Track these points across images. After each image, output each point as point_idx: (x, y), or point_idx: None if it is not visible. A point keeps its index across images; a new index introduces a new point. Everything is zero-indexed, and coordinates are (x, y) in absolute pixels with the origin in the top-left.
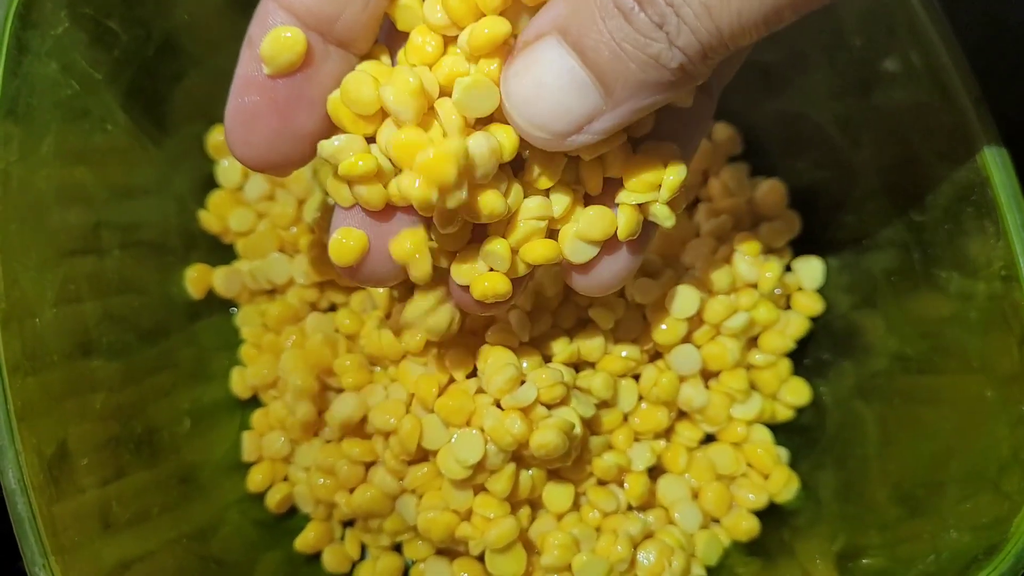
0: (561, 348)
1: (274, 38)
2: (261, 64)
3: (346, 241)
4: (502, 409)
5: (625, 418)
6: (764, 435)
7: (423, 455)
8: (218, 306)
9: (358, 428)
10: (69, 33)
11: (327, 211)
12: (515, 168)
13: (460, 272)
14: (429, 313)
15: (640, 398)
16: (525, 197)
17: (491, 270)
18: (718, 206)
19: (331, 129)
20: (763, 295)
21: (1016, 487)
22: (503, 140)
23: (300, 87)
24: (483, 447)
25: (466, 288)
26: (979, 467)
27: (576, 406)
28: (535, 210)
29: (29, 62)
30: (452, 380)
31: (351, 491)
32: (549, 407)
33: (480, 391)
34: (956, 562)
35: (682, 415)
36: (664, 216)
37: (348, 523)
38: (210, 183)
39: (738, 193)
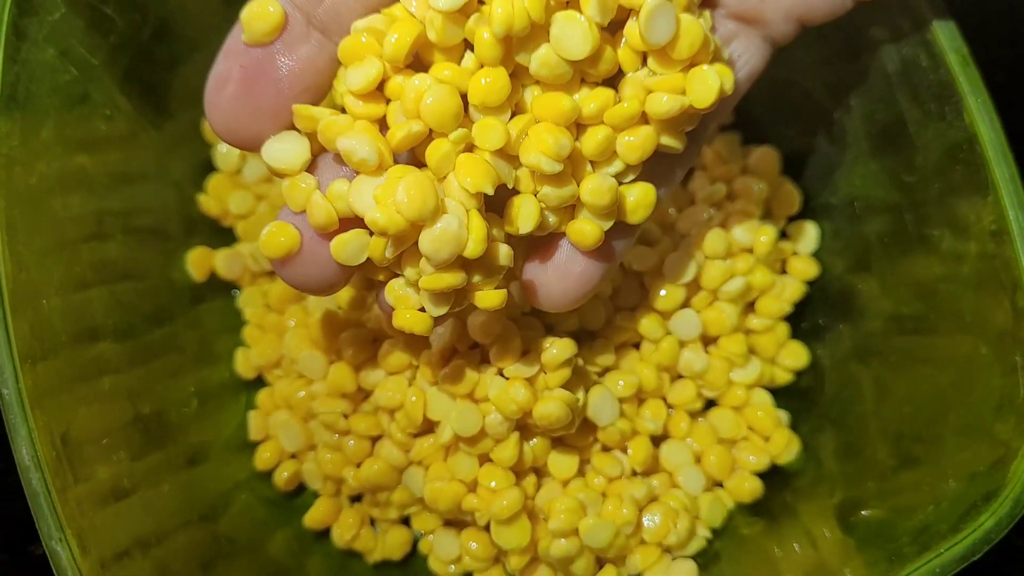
0: (562, 318)
1: (255, 5)
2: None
3: (277, 233)
4: (506, 378)
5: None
6: (764, 398)
7: (429, 427)
8: (220, 289)
9: (363, 403)
10: (66, 19)
11: None
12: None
13: (391, 293)
14: None
15: None
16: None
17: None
18: (712, 174)
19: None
20: (759, 260)
21: (1011, 433)
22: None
23: (269, 59)
24: (480, 420)
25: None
26: (975, 418)
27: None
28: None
29: (27, 48)
30: (456, 352)
31: (358, 466)
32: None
33: (484, 362)
34: (955, 510)
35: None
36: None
37: (356, 498)
38: (208, 167)
39: (731, 161)
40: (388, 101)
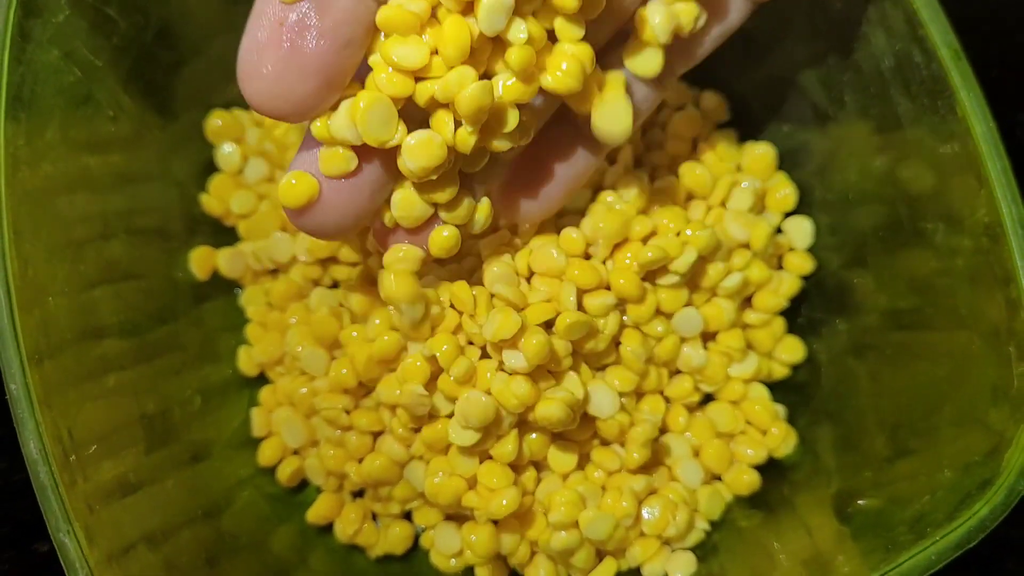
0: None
1: None
2: None
3: (297, 184)
4: (508, 374)
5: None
6: (761, 392)
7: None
8: (223, 288)
9: (364, 399)
10: (70, 21)
11: None
12: None
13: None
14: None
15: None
16: None
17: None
18: (712, 171)
19: (338, 72)
20: (756, 255)
21: (1005, 422)
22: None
23: (310, 12)
24: (493, 409)
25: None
26: (969, 409)
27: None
28: None
29: (32, 49)
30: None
31: (360, 461)
32: (552, 372)
33: (485, 356)
34: (950, 499)
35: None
36: None
37: (358, 493)
38: (210, 167)
39: (727, 159)
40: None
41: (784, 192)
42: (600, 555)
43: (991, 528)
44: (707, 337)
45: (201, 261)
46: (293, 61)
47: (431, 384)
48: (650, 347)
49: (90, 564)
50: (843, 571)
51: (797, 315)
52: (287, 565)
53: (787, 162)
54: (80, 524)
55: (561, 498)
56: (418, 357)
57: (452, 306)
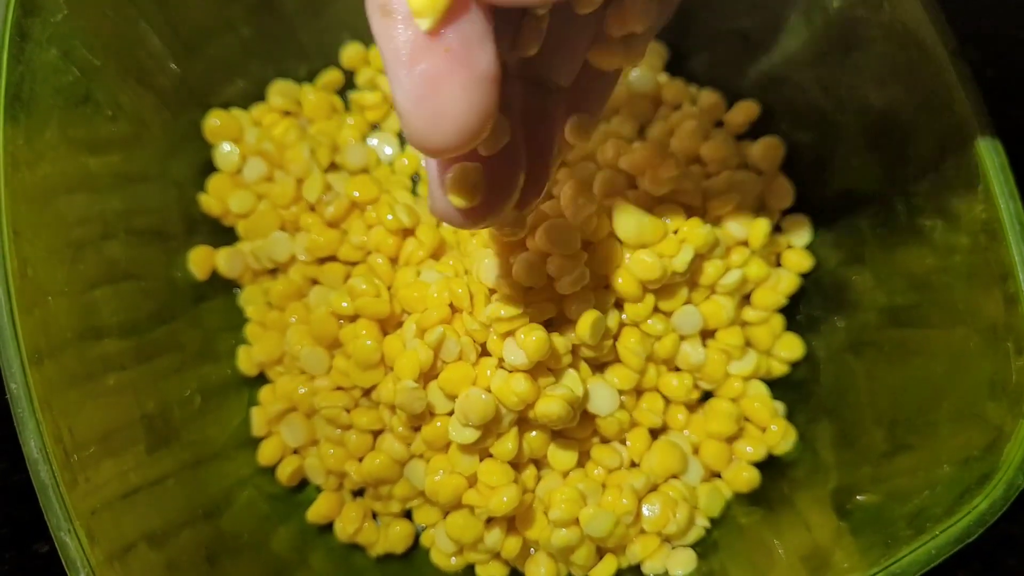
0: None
1: None
2: (412, 26)
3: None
4: (508, 371)
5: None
6: (761, 390)
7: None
8: (222, 287)
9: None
10: (68, 20)
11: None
12: None
13: None
14: None
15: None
16: None
17: None
18: (709, 169)
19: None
20: (754, 253)
21: (1004, 417)
22: None
23: (468, 24)
24: (493, 407)
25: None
26: (968, 404)
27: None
28: None
29: (31, 49)
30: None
31: (360, 460)
32: (552, 370)
33: (485, 354)
34: (949, 493)
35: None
36: None
37: (358, 492)
38: (209, 167)
39: (727, 156)
40: None
41: (782, 189)
42: (600, 552)
43: (990, 523)
44: (706, 335)
45: (200, 261)
46: (473, 80)
47: (427, 380)
48: (649, 345)
49: (91, 563)
50: (843, 567)
51: (796, 312)
52: (287, 564)
53: (786, 160)
54: (81, 523)
55: (561, 496)
56: (410, 356)
57: (451, 305)
